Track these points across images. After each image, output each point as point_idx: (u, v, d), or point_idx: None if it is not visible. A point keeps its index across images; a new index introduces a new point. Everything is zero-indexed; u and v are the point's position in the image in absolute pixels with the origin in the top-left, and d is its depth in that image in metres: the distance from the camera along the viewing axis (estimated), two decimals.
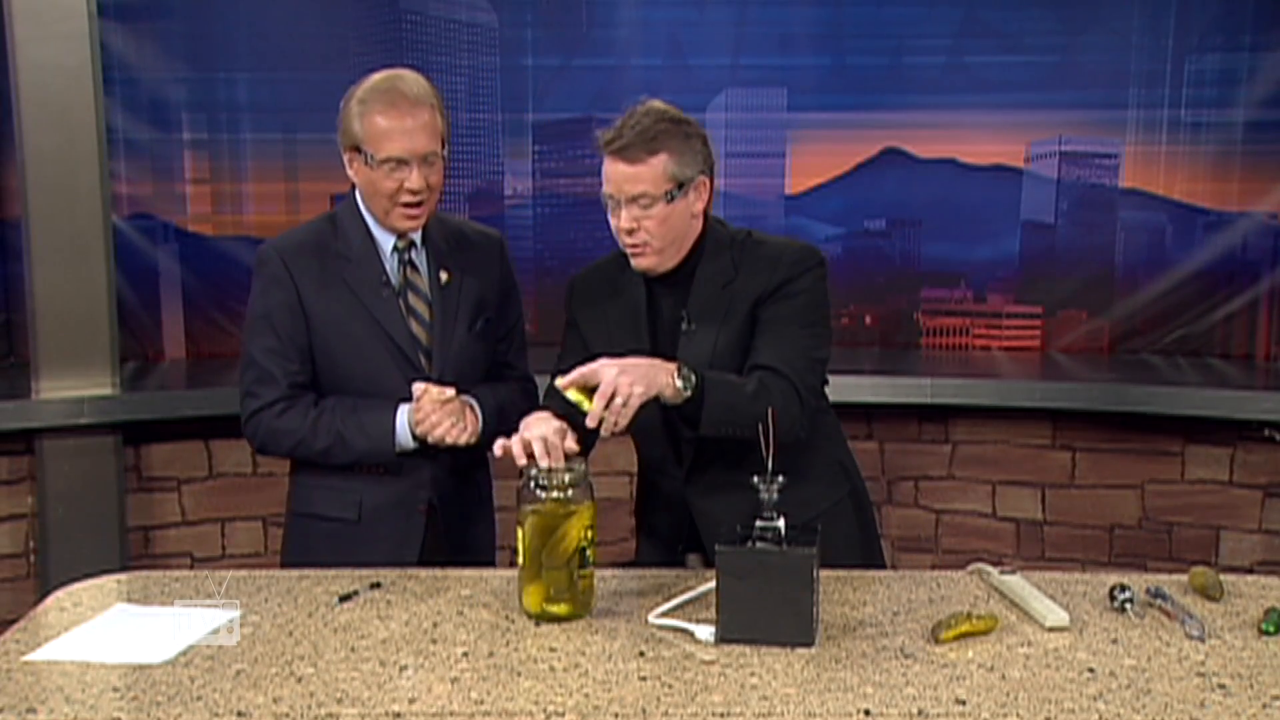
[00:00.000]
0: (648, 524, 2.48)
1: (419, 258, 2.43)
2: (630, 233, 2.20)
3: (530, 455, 2.00)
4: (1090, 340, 4.36)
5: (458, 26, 4.36)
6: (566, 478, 1.96)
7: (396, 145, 2.27)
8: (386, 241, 2.40)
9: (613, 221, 2.23)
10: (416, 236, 2.42)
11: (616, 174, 2.19)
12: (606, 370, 2.00)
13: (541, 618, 1.95)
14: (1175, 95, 4.19)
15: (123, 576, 2.27)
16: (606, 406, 1.98)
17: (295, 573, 2.22)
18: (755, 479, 1.88)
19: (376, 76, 2.33)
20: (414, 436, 2.32)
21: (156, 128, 4.20)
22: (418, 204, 2.32)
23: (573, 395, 1.99)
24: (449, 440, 2.30)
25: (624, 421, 2.00)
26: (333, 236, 2.40)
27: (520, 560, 1.95)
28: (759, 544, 1.87)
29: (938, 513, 4.11)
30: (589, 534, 1.95)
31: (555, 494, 1.95)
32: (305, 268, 2.37)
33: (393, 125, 2.26)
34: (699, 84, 4.33)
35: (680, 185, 2.19)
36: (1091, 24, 4.21)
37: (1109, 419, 3.86)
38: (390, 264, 2.40)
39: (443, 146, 2.33)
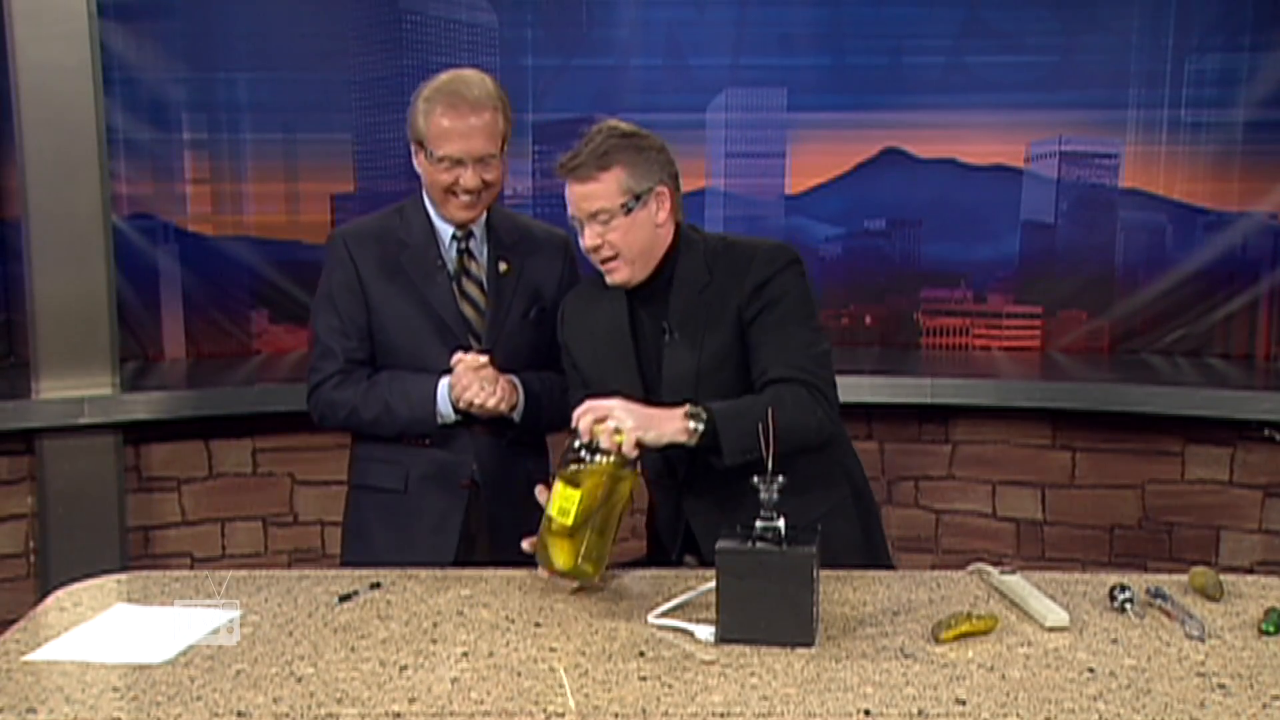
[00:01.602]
0: (653, 529, 2.50)
1: (477, 246, 2.53)
2: (596, 249, 2.25)
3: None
4: (1090, 340, 4.35)
5: (458, 26, 4.36)
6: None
7: (454, 145, 2.38)
8: (446, 230, 2.52)
9: (581, 243, 2.28)
10: (477, 228, 2.53)
11: (574, 194, 2.25)
12: (617, 409, 2.04)
13: (565, 575, 2.00)
14: (1175, 95, 4.18)
15: (123, 576, 2.28)
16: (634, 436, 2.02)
17: (295, 573, 2.22)
18: (755, 479, 1.89)
19: (444, 76, 2.45)
20: (455, 409, 2.41)
21: (156, 128, 4.19)
22: (472, 199, 2.43)
23: (617, 437, 2.01)
24: (478, 402, 2.37)
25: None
26: (398, 225, 2.53)
27: (562, 518, 1.97)
28: (759, 544, 1.87)
29: (938, 513, 4.10)
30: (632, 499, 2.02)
31: (612, 457, 1.99)
32: (366, 251, 2.50)
33: (452, 126, 2.38)
34: (699, 84, 4.32)
35: (637, 197, 2.23)
36: (1091, 24, 4.21)
37: (1109, 419, 3.86)
38: (448, 250, 2.51)
39: (503, 146, 2.44)
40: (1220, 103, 4.15)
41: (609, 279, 2.29)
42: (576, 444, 2.02)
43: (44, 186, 3.55)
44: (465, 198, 2.42)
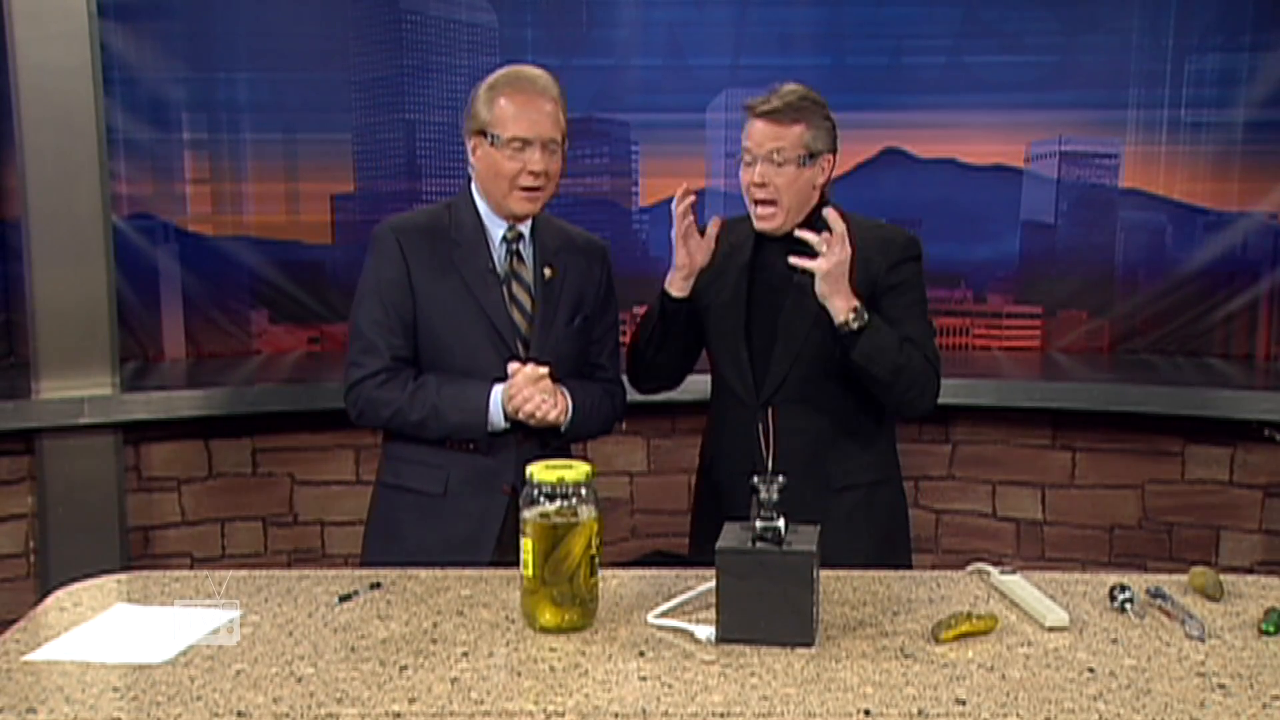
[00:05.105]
0: (714, 457, 2.60)
1: (526, 250, 2.53)
2: (761, 186, 2.44)
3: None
4: (1090, 340, 4.36)
5: (458, 26, 4.36)
6: (570, 487, 1.90)
7: (521, 126, 2.40)
8: (496, 231, 2.51)
9: (744, 177, 2.48)
10: (525, 230, 2.52)
11: (759, 132, 2.45)
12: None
13: (550, 630, 1.91)
14: (1175, 95, 4.19)
15: (123, 576, 2.28)
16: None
17: (295, 573, 2.22)
18: (755, 479, 1.89)
19: (505, 69, 2.49)
20: (505, 417, 2.41)
21: (156, 128, 4.19)
22: (536, 188, 2.43)
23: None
24: (539, 414, 2.39)
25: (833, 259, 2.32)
26: (447, 222, 2.52)
27: (528, 571, 1.90)
28: (759, 544, 1.87)
29: (938, 513, 4.11)
30: (595, 544, 1.91)
31: (560, 503, 1.91)
32: (417, 247, 2.48)
33: (519, 108, 2.41)
34: (699, 84, 4.32)
35: (812, 155, 2.46)
36: (1091, 24, 4.21)
37: (1109, 419, 3.86)
38: (498, 252, 2.50)
39: (563, 141, 2.46)
40: (1220, 103, 4.15)
41: (759, 224, 2.48)
42: (534, 490, 1.91)
43: (44, 186, 3.55)
44: (530, 181, 2.41)
